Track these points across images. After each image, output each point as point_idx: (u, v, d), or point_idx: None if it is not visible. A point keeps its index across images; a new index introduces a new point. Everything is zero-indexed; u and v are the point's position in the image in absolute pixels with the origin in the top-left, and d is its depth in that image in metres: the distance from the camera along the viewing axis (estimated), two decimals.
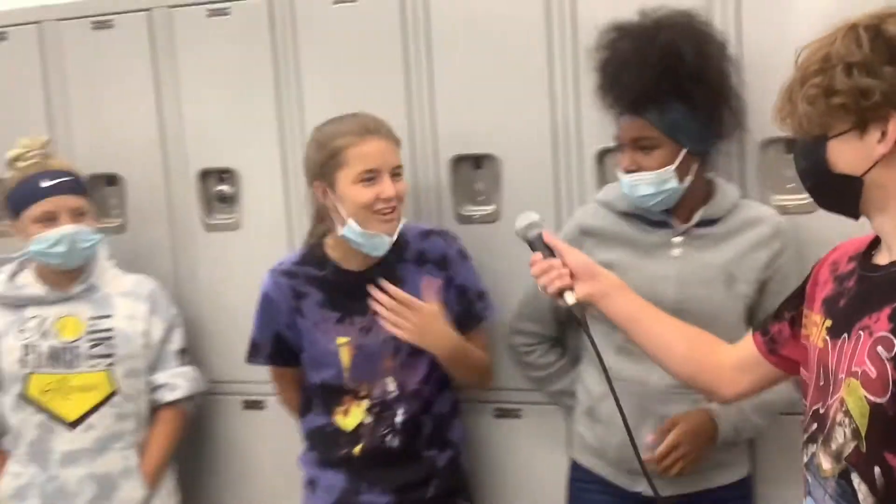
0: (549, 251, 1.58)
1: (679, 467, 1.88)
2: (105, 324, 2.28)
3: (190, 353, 2.43)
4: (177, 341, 2.39)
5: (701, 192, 1.94)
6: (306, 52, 2.33)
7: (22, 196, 2.23)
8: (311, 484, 2.14)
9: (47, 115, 2.59)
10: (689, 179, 1.88)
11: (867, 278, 1.27)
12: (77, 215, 2.24)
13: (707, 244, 1.92)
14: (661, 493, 1.91)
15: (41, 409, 2.24)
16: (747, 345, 1.52)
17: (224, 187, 2.49)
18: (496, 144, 2.22)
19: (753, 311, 1.92)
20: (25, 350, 2.25)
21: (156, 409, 2.37)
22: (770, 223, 1.92)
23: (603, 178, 2.16)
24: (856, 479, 1.19)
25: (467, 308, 2.11)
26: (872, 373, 1.17)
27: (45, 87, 2.58)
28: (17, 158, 2.27)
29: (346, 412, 2.07)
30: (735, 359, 1.52)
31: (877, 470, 1.16)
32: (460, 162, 2.27)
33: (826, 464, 1.24)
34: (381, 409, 2.04)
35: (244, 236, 2.47)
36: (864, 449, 1.17)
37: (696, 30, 1.87)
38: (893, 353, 1.14)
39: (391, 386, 2.05)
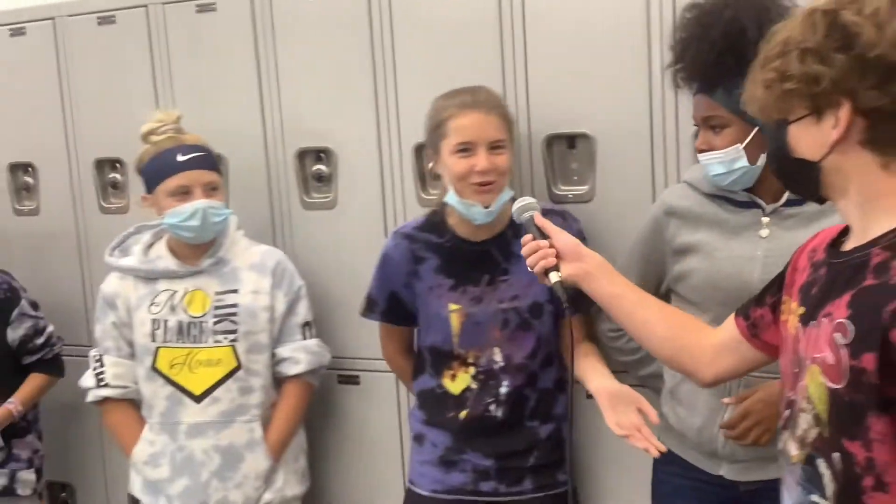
0: (541, 233, 1.63)
1: (753, 436, 1.84)
2: (230, 299, 2.31)
3: (315, 326, 2.43)
4: (301, 314, 2.38)
5: None
6: (402, 35, 2.35)
7: (157, 169, 2.27)
8: (419, 439, 2.22)
9: (153, 95, 2.68)
10: (763, 158, 1.83)
11: (833, 265, 1.26)
12: (210, 190, 2.27)
13: (797, 224, 1.86)
14: (741, 479, 1.91)
15: (169, 381, 2.30)
16: (729, 327, 1.52)
17: (321, 167, 2.54)
18: (591, 123, 2.20)
19: None
20: (155, 324, 2.31)
21: (281, 381, 2.39)
22: None
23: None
24: (821, 465, 1.19)
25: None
26: (831, 359, 1.17)
27: (151, 69, 2.67)
28: (151, 132, 2.31)
29: (453, 377, 2.13)
30: (716, 341, 1.52)
31: (835, 456, 1.16)
32: (554, 141, 2.26)
33: (793, 450, 1.25)
34: (487, 378, 2.10)
35: (340, 215, 2.52)
36: (826, 435, 1.18)
37: (765, 7, 1.81)
38: (849, 340, 1.14)
39: (498, 356, 2.09)
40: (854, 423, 1.14)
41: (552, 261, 1.59)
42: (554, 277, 1.58)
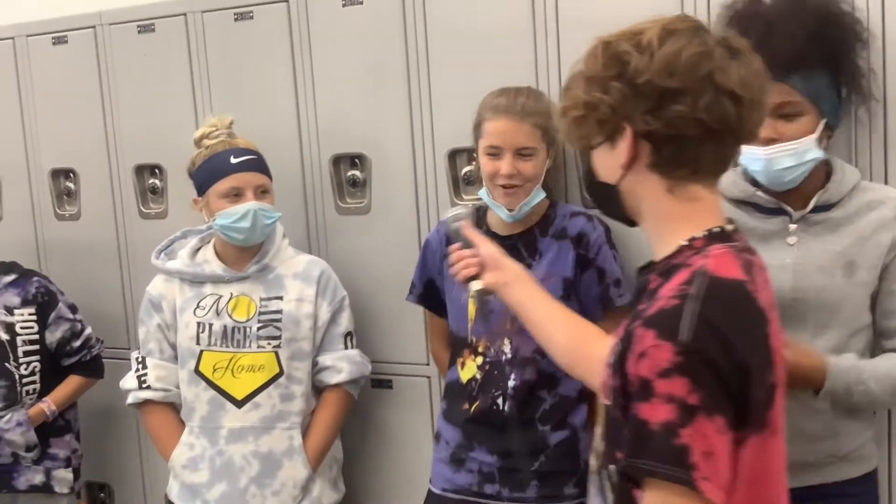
0: (468, 243, 1.69)
1: None
2: (275, 305, 2.32)
3: (357, 336, 2.45)
4: (343, 324, 2.39)
5: (820, 174, 1.84)
6: (436, 41, 2.36)
7: (210, 172, 2.29)
8: (437, 436, 2.25)
9: (192, 102, 2.72)
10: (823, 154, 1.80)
11: (636, 287, 1.33)
12: (261, 193, 2.30)
13: (825, 230, 1.83)
14: None
15: (212, 385, 2.31)
16: (612, 339, 1.53)
17: (356, 172, 2.56)
18: None
19: (875, 299, 1.83)
20: (200, 327, 2.33)
21: (321, 390, 2.40)
22: (892, 205, 1.82)
23: (734, 164, 2.10)
24: (604, 476, 1.24)
25: (604, 291, 2.13)
26: (604, 377, 1.24)
27: (189, 76, 2.71)
28: (204, 136, 2.34)
29: (462, 364, 2.16)
30: (605, 352, 1.53)
31: (611, 468, 1.21)
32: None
33: (592, 460, 1.32)
34: (492, 369, 2.12)
35: (374, 220, 2.53)
36: (607, 448, 1.25)
37: None
38: (612, 360, 1.19)
39: (506, 348, 2.11)
40: (618, 439, 1.18)
41: (473, 270, 1.67)
42: (475, 286, 1.67)
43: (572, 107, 1.27)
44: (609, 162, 1.27)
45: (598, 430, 1.28)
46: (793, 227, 1.85)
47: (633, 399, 1.12)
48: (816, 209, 1.84)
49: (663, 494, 1.10)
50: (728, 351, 1.11)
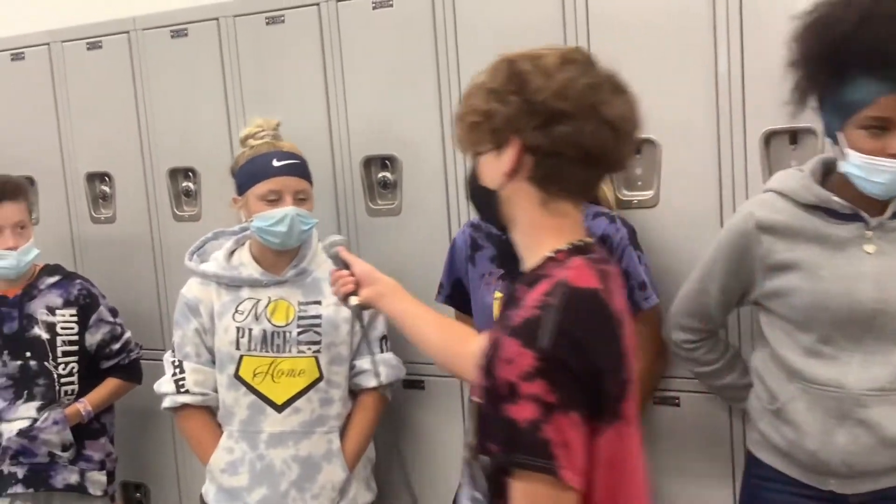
0: (344, 264, 1.80)
1: None
2: (314, 310, 2.32)
3: (391, 340, 2.46)
4: (379, 328, 2.40)
5: None
6: (467, 42, 2.37)
7: (251, 172, 2.29)
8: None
9: (224, 105, 2.74)
10: None
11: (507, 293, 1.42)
12: (300, 199, 2.29)
13: None
14: (852, 491, 1.85)
15: (252, 390, 2.31)
16: (484, 338, 1.61)
17: (387, 174, 2.56)
18: (655, 128, 2.18)
19: None
20: (240, 332, 2.32)
21: (357, 393, 2.40)
22: None
23: (768, 163, 2.08)
24: (475, 466, 1.34)
25: (629, 295, 2.09)
26: (475, 377, 1.34)
27: (222, 79, 2.74)
28: (249, 136, 2.35)
29: None
30: (477, 348, 1.61)
31: (483, 459, 1.31)
32: None
33: (465, 451, 1.40)
34: None
35: (405, 221, 2.54)
36: (477, 441, 1.34)
37: None
38: (483, 363, 1.30)
39: None
40: (490, 433, 1.29)
41: (350, 287, 1.77)
42: (352, 301, 1.77)
43: (470, 113, 1.38)
44: (494, 169, 1.37)
45: (470, 426, 1.37)
46: (869, 234, 1.78)
47: (502, 401, 1.24)
48: (893, 215, 1.78)
49: (530, 483, 1.23)
50: (582, 355, 1.24)
